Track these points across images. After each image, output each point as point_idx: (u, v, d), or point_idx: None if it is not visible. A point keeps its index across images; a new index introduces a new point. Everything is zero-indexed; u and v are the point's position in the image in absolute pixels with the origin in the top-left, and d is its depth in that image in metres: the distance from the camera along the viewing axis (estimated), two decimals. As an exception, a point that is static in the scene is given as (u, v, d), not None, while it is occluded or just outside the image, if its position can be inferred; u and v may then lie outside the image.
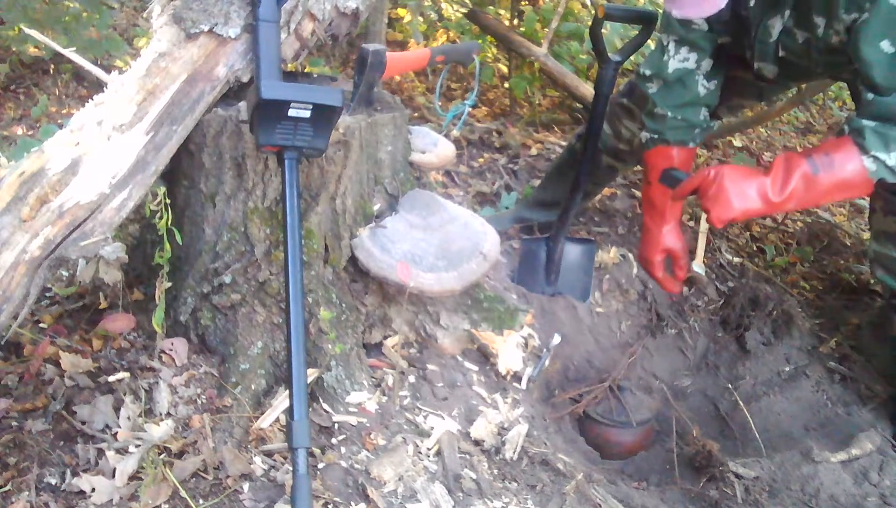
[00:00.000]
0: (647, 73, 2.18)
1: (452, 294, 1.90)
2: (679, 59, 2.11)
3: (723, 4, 1.70)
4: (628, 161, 2.60)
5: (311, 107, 1.53)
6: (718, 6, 1.71)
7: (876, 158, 1.73)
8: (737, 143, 3.87)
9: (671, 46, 2.12)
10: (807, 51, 1.95)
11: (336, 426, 1.73)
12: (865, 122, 1.73)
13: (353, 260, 1.87)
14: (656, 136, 2.17)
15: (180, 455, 1.59)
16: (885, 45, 1.68)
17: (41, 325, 1.90)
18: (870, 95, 1.75)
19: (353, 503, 1.54)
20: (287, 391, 1.63)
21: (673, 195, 2.09)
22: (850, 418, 2.23)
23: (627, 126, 2.48)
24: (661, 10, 2.23)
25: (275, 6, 1.65)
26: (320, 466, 1.62)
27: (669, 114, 2.13)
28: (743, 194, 1.81)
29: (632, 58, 2.47)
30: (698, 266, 2.69)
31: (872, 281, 2.77)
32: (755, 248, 3.03)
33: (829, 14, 1.80)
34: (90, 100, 1.58)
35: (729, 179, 1.82)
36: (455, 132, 3.24)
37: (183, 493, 1.50)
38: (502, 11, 4.08)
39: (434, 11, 4.10)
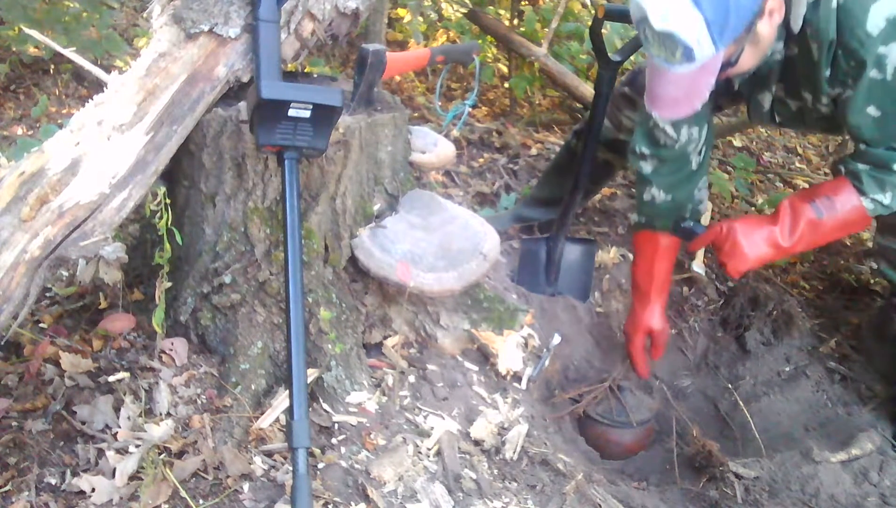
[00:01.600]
0: (645, 151, 2.14)
1: (452, 294, 1.90)
2: (684, 137, 2.10)
3: (699, 106, 1.77)
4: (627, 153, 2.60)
5: (311, 107, 1.53)
6: (695, 108, 1.78)
7: (874, 200, 1.85)
8: (737, 143, 3.86)
9: (668, 129, 2.09)
10: (801, 117, 2.03)
11: (336, 426, 1.73)
12: (861, 166, 1.85)
13: (353, 260, 1.87)
14: (644, 220, 2.22)
15: (180, 455, 1.59)
16: (872, 110, 1.78)
17: (41, 325, 1.90)
18: (862, 146, 1.86)
19: (353, 503, 1.54)
20: (287, 391, 1.63)
21: (688, 249, 2.20)
22: (850, 418, 2.23)
23: (629, 116, 2.48)
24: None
25: (275, 6, 1.65)
26: (320, 466, 1.62)
27: (662, 196, 2.15)
28: (755, 245, 1.95)
29: (632, 58, 2.47)
30: (698, 266, 2.69)
31: (872, 281, 2.77)
32: (755, 248, 3.02)
33: (814, 90, 1.89)
34: (90, 100, 1.58)
35: (742, 234, 1.95)
36: (455, 132, 3.24)
37: (183, 493, 1.50)
38: (502, 11, 4.08)
39: (434, 11, 4.10)
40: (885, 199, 1.84)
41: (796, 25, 1.78)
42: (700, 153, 2.14)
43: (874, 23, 1.69)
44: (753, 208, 3.25)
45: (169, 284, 1.77)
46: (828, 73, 1.81)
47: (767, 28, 1.73)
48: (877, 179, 1.83)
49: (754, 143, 4.01)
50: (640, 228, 2.24)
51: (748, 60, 1.79)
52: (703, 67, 1.66)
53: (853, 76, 1.76)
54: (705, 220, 2.67)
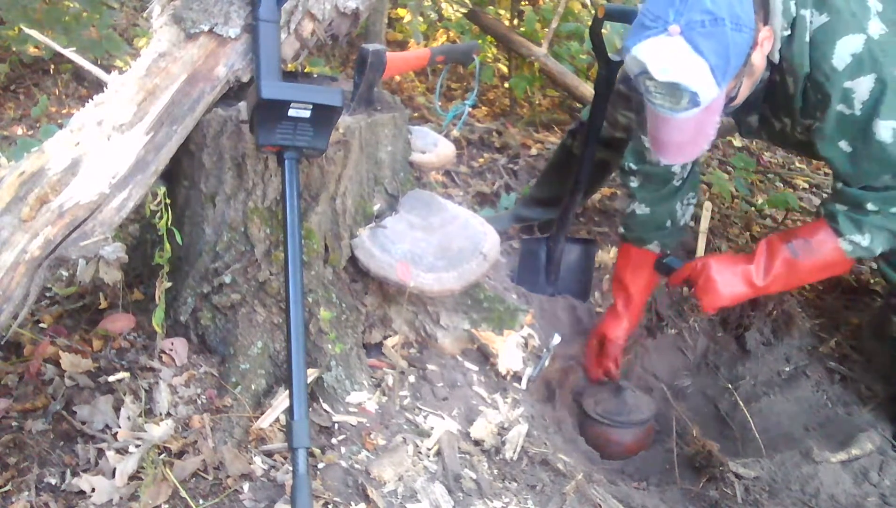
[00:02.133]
0: (633, 167, 2.17)
1: (452, 294, 1.90)
2: None
3: (707, 147, 1.79)
4: (623, 151, 2.60)
5: (311, 107, 1.53)
6: (703, 150, 1.80)
7: (851, 241, 1.84)
8: (737, 143, 3.86)
9: None
10: (784, 137, 2.05)
11: (336, 426, 1.73)
12: (838, 207, 1.85)
13: (353, 260, 1.87)
14: (623, 230, 2.27)
15: (180, 455, 1.59)
16: (843, 145, 1.79)
17: (41, 325, 1.90)
18: (839, 185, 1.86)
19: (353, 503, 1.54)
20: (287, 391, 1.63)
21: (667, 284, 2.23)
22: (850, 418, 2.23)
23: (624, 113, 2.48)
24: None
25: (275, 6, 1.65)
26: (320, 466, 1.62)
27: (642, 209, 2.18)
28: (729, 282, 1.97)
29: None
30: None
31: (872, 281, 2.77)
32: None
33: (791, 117, 1.91)
34: (90, 100, 1.58)
35: (716, 271, 1.98)
36: (455, 132, 3.24)
37: (183, 493, 1.50)
38: (502, 11, 4.08)
39: (434, 11, 4.10)
40: (864, 240, 1.82)
41: (775, 58, 1.79)
42: (686, 168, 2.15)
43: (840, 57, 1.70)
44: (753, 208, 3.25)
45: (169, 284, 1.77)
46: (800, 104, 1.82)
47: (760, 57, 1.74)
48: (854, 219, 1.82)
49: (754, 143, 4.01)
50: (622, 238, 2.29)
51: (744, 91, 1.81)
52: (708, 109, 1.66)
53: (821, 109, 1.78)
54: (705, 220, 2.67)
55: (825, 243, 1.87)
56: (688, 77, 1.59)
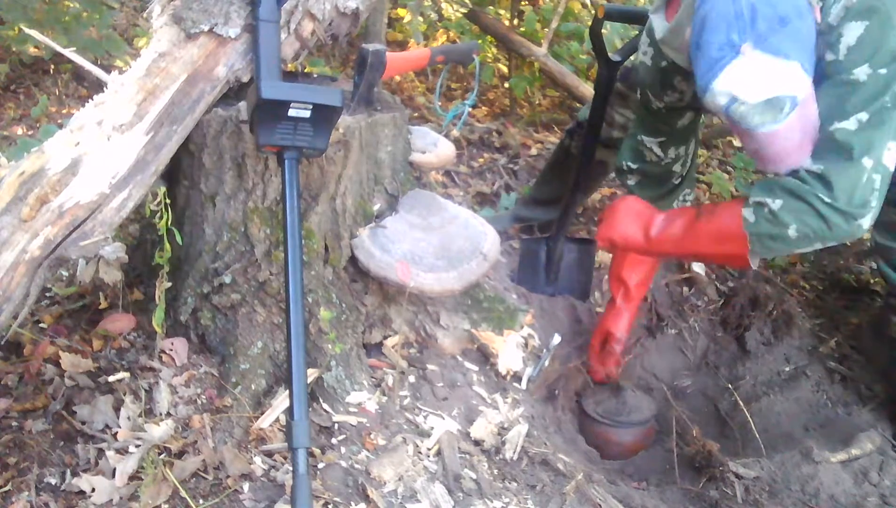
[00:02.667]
0: (632, 166, 2.16)
1: (452, 294, 1.90)
2: (671, 156, 2.12)
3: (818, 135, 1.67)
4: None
5: (311, 107, 1.53)
6: (816, 140, 1.67)
7: (757, 204, 1.70)
8: (737, 143, 3.86)
9: (656, 148, 2.10)
10: None
11: (336, 426, 1.73)
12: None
13: (353, 260, 1.87)
14: None
15: (180, 455, 1.59)
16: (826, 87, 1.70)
17: (41, 325, 1.90)
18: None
19: (353, 503, 1.54)
20: (287, 391, 1.63)
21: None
22: (850, 418, 2.23)
23: (621, 112, 2.48)
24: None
25: (275, 6, 1.65)
26: (320, 466, 1.62)
27: None
28: (627, 221, 1.92)
29: (631, 57, 2.47)
30: (698, 266, 2.69)
31: (872, 281, 2.77)
32: (755, 248, 3.02)
33: None
34: (90, 100, 1.58)
35: (624, 205, 1.95)
36: (455, 132, 3.24)
37: (183, 493, 1.50)
38: (502, 11, 4.09)
39: (434, 11, 4.10)
40: (773, 203, 1.67)
41: None
42: (685, 165, 2.14)
43: (836, 13, 1.62)
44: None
45: (169, 284, 1.77)
46: None
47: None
48: (768, 186, 1.70)
49: (754, 143, 4.00)
50: None
51: None
52: (805, 101, 1.59)
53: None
54: None
55: (730, 209, 1.77)
56: (783, 85, 1.52)
